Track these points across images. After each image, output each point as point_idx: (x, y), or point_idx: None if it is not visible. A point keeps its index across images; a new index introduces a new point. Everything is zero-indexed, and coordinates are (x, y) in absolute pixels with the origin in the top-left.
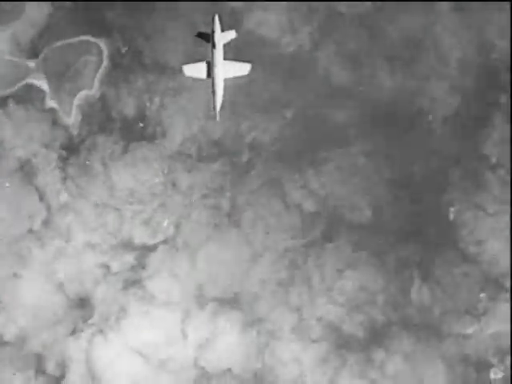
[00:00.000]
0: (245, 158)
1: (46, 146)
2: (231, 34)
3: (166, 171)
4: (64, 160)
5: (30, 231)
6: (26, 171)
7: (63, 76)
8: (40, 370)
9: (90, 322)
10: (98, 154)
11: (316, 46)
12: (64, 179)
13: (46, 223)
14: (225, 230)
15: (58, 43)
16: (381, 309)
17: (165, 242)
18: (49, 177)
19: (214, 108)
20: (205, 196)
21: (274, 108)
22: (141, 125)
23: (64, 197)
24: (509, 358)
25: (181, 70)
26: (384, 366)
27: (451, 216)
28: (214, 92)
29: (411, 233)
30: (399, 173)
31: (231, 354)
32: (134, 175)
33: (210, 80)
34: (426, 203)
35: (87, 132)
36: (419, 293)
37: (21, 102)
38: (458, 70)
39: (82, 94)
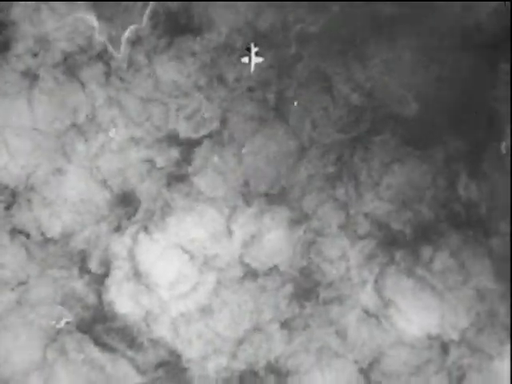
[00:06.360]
0: (292, 50)
1: (90, 39)
2: (256, 48)
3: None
4: (108, 53)
5: (74, 125)
6: (69, 64)
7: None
8: (84, 268)
9: (134, 218)
10: (142, 48)
11: None
12: (108, 73)
13: (90, 117)
14: (271, 123)
15: None
16: (428, 205)
17: (210, 136)
18: (93, 70)
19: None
20: (251, 89)
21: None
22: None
23: (108, 90)
24: None
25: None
26: (431, 262)
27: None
28: (250, 66)
29: (459, 127)
30: (447, 66)
31: (278, 252)
32: (178, 68)
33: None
34: (474, 97)
35: (130, 22)
36: (467, 189)
37: None
38: None
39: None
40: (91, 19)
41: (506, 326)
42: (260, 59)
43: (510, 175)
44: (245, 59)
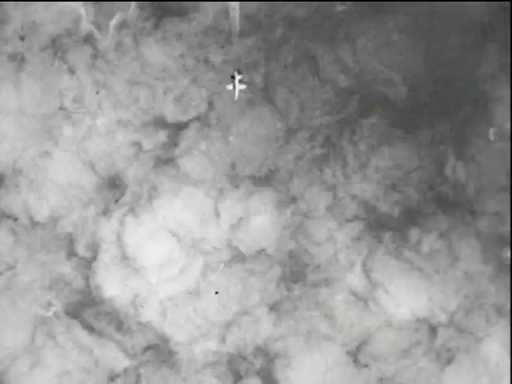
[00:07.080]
0: (279, 32)
1: (77, 23)
2: (240, 75)
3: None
4: (94, 36)
5: (61, 109)
6: (56, 47)
7: None
8: (71, 252)
9: (121, 201)
10: (129, 31)
11: None
12: (95, 55)
13: (77, 100)
14: (258, 105)
15: None
16: (416, 187)
17: (197, 118)
18: (79, 53)
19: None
20: (238, 71)
21: None
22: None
23: (95, 73)
24: None
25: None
26: (419, 244)
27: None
28: (234, 92)
29: (447, 109)
30: (435, 48)
31: (265, 234)
32: (165, 51)
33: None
34: (462, 79)
35: (117, 9)
36: (454, 170)
37: None
38: None
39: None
40: (78, 6)
41: (494, 307)
42: (243, 86)
43: (509, 158)
44: (229, 86)
